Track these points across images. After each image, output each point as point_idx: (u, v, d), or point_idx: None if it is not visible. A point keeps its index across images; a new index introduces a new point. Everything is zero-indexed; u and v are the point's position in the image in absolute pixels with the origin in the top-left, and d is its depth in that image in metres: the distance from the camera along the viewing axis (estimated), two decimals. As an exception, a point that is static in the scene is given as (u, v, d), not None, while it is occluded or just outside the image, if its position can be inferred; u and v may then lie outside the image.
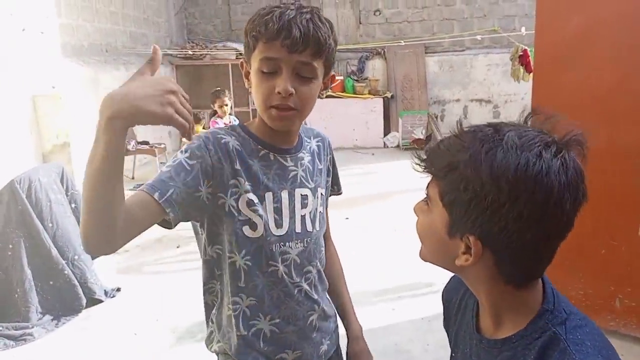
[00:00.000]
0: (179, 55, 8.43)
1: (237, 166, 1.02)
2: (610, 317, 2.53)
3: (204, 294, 1.14)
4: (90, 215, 0.78)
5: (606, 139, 2.37)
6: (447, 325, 0.93)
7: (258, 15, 0.99)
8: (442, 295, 0.95)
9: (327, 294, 1.22)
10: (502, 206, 0.63)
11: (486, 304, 0.75)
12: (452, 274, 0.89)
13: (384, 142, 8.40)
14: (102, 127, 0.74)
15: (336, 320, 1.25)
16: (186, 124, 0.77)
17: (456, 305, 0.88)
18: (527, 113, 0.70)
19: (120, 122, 0.74)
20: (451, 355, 0.89)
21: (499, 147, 0.64)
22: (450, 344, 0.91)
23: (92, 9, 6.49)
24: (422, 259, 0.79)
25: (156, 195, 0.90)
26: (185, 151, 0.99)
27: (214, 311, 1.15)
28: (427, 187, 0.74)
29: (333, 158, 1.25)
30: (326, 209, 1.22)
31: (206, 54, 8.36)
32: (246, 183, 1.02)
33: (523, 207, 0.62)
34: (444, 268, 0.77)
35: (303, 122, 1.13)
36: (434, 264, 0.78)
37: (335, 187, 1.27)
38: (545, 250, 0.68)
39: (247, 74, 1.06)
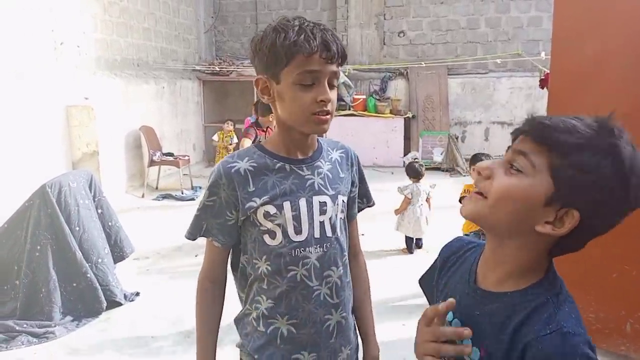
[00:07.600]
0: (206, 71, 8.68)
1: (251, 188, 1.11)
2: (621, 342, 2.51)
3: (241, 302, 1.26)
4: None
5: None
6: (432, 276, 1.00)
7: (281, 33, 1.03)
8: (442, 250, 1.01)
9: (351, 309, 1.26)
10: (619, 195, 0.72)
11: (510, 264, 0.80)
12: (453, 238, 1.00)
13: (404, 162, 8.43)
14: None
15: (357, 339, 1.29)
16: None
17: (453, 261, 0.96)
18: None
19: None
20: (435, 301, 0.95)
21: (620, 146, 0.73)
22: (432, 294, 0.99)
23: (126, 25, 6.77)
24: (466, 215, 0.82)
25: (198, 235, 1.17)
26: (206, 192, 1.15)
27: (240, 312, 1.25)
28: (520, 152, 0.77)
29: (360, 170, 1.27)
30: (354, 224, 1.28)
31: (233, 71, 8.58)
32: (262, 199, 1.11)
33: (630, 199, 0.73)
34: (484, 227, 0.83)
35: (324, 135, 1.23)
36: (474, 220, 0.82)
37: (364, 200, 1.31)
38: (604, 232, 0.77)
39: (265, 90, 1.11)
